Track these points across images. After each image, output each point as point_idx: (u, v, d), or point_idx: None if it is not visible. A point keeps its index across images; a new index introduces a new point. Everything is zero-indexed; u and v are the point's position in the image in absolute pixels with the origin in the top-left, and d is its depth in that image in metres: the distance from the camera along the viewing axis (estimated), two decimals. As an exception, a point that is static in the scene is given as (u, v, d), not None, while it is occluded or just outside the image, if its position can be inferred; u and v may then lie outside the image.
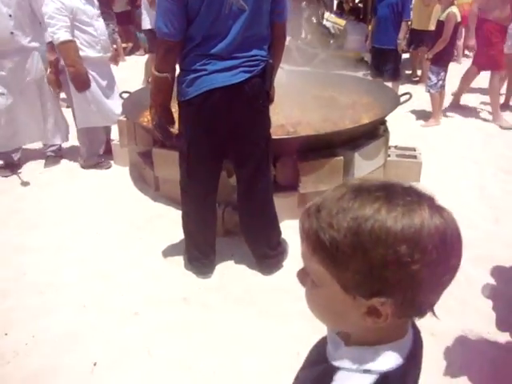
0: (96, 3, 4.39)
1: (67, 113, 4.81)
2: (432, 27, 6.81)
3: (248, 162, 2.71)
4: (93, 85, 4.31)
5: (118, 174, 4.53)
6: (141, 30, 10.92)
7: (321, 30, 10.03)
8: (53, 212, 3.83)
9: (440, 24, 5.56)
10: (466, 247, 2.76)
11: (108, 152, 4.78)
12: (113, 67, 4.79)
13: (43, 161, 4.76)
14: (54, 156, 4.78)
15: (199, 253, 2.95)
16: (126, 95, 4.35)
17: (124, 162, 4.60)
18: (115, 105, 4.54)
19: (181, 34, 2.35)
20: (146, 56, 8.20)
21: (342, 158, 3.46)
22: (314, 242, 0.73)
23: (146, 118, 3.96)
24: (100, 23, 4.35)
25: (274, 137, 3.42)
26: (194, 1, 2.28)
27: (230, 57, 2.40)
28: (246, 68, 2.43)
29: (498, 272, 3.03)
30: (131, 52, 10.96)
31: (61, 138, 4.76)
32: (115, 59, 5.01)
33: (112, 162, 4.72)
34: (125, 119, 4.37)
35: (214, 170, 2.74)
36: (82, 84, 4.22)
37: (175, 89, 2.55)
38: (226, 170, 3.09)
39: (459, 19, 5.48)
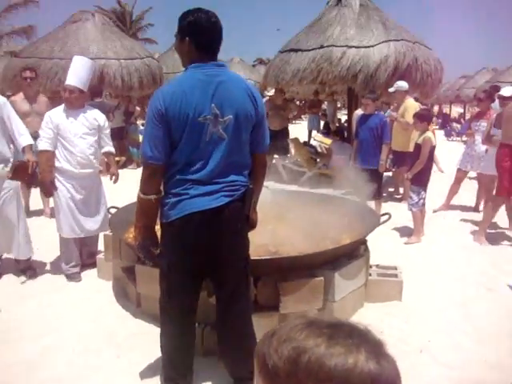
0: (92, 124, 4.69)
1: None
2: (412, 149, 7.21)
3: (227, 283, 2.76)
4: (64, 196, 4.59)
5: (102, 287, 4.52)
6: (134, 145, 11.53)
7: (307, 149, 10.53)
8: (28, 326, 3.76)
9: (417, 147, 5.89)
10: (451, 369, 2.78)
11: (92, 264, 4.88)
12: (105, 180, 4.99)
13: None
14: (30, 268, 4.83)
15: (176, 374, 2.88)
16: (113, 210, 4.48)
17: (108, 275, 4.61)
18: (92, 219, 4.78)
19: (164, 158, 2.50)
20: (139, 170, 8.48)
21: (322, 278, 3.51)
22: (261, 363, 0.78)
23: (132, 234, 4.04)
24: (83, 142, 4.62)
25: (254, 257, 3.50)
26: (177, 128, 2.46)
27: (210, 182, 2.54)
28: (227, 192, 2.56)
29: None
30: (124, 166, 11.34)
31: (29, 250, 4.83)
32: (108, 170, 5.23)
33: (80, 275, 4.77)
34: (110, 234, 4.46)
35: (193, 291, 2.77)
36: (46, 191, 4.68)
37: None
38: (205, 289, 3.12)
39: (434, 143, 5.82)
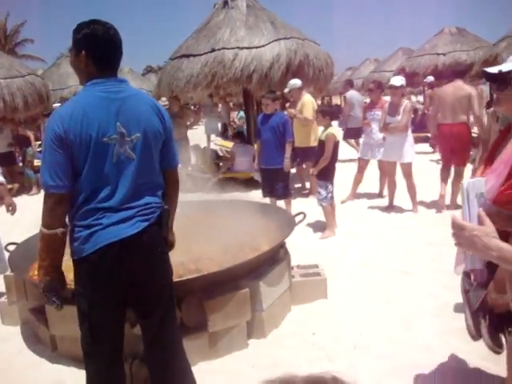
0: None
1: None
2: (313, 143, 7.34)
3: (153, 312, 2.55)
4: None
5: (8, 335, 4.06)
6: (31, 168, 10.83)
7: (209, 154, 10.41)
8: None
9: (321, 143, 5.96)
10: (386, 358, 2.72)
11: None
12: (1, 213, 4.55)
13: None
14: None
15: None
16: (12, 247, 4.07)
17: (14, 320, 4.17)
18: None
19: (68, 186, 2.25)
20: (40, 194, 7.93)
21: (247, 289, 3.39)
22: None
23: (37, 271, 3.70)
24: None
25: (175, 278, 3.31)
26: (79, 152, 2.22)
27: (123, 208, 2.32)
28: (142, 217, 2.36)
29: (418, 379, 3.00)
30: (18, 193, 10.59)
31: None
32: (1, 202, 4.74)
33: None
34: (12, 274, 4.04)
35: (118, 326, 2.51)
36: None
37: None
38: (127, 319, 2.89)
39: (338, 139, 5.93)
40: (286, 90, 8.03)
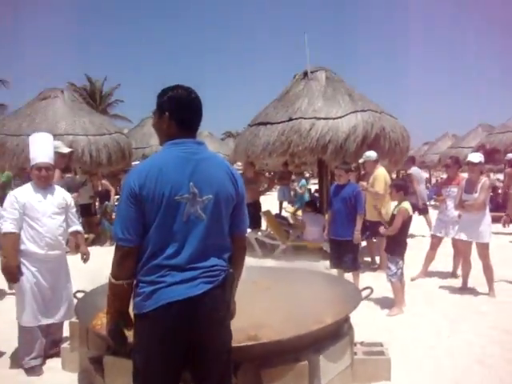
0: (60, 203, 4.51)
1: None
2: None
3: (210, 376, 2.51)
4: (29, 281, 4.31)
5: (66, 381, 4.13)
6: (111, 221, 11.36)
7: (280, 221, 10.45)
8: None
9: (393, 217, 5.85)
10: None
11: (56, 354, 4.50)
12: (72, 260, 4.74)
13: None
14: None
15: None
16: (80, 294, 4.20)
17: (74, 367, 4.22)
18: (57, 306, 4.49)
19: (137, 241, 2.33)
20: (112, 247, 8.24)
21: (306, 362, 3.28)
22: None
23: (100, 321, 3.78)
24: (52, 221, 4.41)
25: (235, 345, 3.27)
26: (151, 208, 2.30)
27: (188, 267, 2.35)
28: (206, 279, 2.37)
29: None
30: (93, 243, 11.05)
31: None
32: (77, 250, 4.99)
33: (42, 368, 4.39)
34: (76, 321, 4.14)
35: None
36: (10, 276, 4.33)
37: None
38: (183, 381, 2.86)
39: (411, 213, 5.80)
40: (361, 161, 8.04)
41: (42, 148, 4.45)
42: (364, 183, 7.86)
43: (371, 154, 7.92)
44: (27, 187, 4.46)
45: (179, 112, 2.46)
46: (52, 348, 4.63)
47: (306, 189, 16.47)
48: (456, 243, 7.20)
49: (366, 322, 5.27)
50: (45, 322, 4.43)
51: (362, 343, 4.19)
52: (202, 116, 2.57)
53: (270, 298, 4.49)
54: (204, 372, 2.51)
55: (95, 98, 42.93)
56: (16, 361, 4.48)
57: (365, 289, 4.28)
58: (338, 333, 3.72)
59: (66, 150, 6.43)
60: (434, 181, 26.80)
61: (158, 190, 2.29)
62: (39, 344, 4.44)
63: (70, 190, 5.35)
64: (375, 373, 3.90)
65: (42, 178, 4.40)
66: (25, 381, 4.23)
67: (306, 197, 15.08)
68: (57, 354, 4.49)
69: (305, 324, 3.69)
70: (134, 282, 2.41)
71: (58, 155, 4.96)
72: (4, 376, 4.27)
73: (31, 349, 4.38)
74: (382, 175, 7.77)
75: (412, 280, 7.21)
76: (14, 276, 4.29)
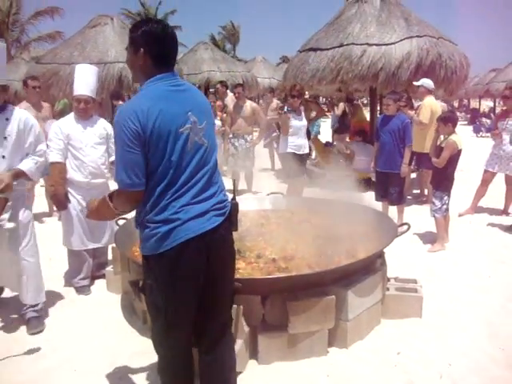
0: (102, 133, 4.60)
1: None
2: (427, 150, 6.89)
3: (216, 310, 2.58)
4: (75, 208, 4.51)
5: (110, 301, 4.40)
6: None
7: (329, 150, 10.27)
8: (31, 343, 3.65)
9: (440, 149, 5.60)
10: None
11: (102, 276, 4.79)
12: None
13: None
14: (37, 317, 3.96)
15: None
16: (122, 222, 4.31)
17: (117, 289, 4.50)
18: (101, 231, 4.69)
19: (144, 184, 2.30)
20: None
21: (333, 297, 3.30)
22: None
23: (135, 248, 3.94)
24: (94, 151, 4.53)
25: (263, 276, 3.33)
26: (156, 147, 2.24)
27: (199, 200, 2.36)
28: (217, 211, 2.40)
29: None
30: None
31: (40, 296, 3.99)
32: None
33: (89, 288, 4.68)
34: (119, 247, 4.32)
35: (192, 321, 2.54)
36: (59, 204, 4.53)
37: None
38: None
39: (460, 147, 5.53)
40: (418, 83, 7.62)
41: (83, 80, 4.46)
42: (410, 112, 7.54)
43: (429, 82, 7.55)
44: (70, 118, 4.56)
45: (155, 47, 2.36)
46: (98, 270, 4.90)
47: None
48: (509, 180, 6.88)
49: (406, 257, 5.24)
50: (91, 246, 4.66)
51: (396, 279, 4.16)
52: (178, 50, 2.52)
53: (306, 230, 4.51)
54: (212, 306, 2.55)
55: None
56: (68, 280, 4.79)
57: (402, 225, 4.20)
58: (369, 268, 3.69)
59: None
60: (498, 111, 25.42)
61: (163, 127, 2.24)
62: (87, 266, 4.70)
63: None
64: (406, 310, 3.89)
65: (81, 111, 4.47)
66: (75, 298, 4.54)
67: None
68: (103, 276, 4.77)
69: (337, 258, 3.70)
70: (142, 221, 2.38)
71: None
72: (58, 293, 4.59)
73: (80, 270, 4.66)
74: (429, 105, 7.40)
75: (459, 216, 7.02)
76: (62, 203, 4.48)
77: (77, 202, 4.51)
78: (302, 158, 7.16)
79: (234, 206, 2.51)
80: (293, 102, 7.02)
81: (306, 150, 7.34)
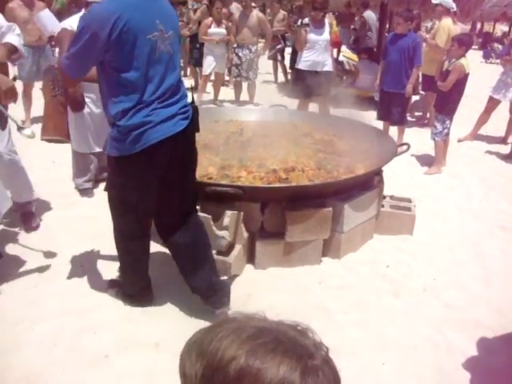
0: None
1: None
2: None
3: (181, 200, 2.83)
4: (86, 109, 4.43)
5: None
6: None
7: (335, 65, 10.05)
8: (38, 241, 3.80)
9: (447, 73, 5.53)
10: (451, 308, 2.68)
11: (104, 180, 4.80)
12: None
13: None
14: (32, 212, 4.12)
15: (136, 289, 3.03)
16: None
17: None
18: (106, 135, 4.59)
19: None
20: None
21: (330, 209, 3.41)
22: (181, 372, 0.79)
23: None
24: None
25: (263, 185, 3.43)
26: (123, 52, 2.33)
27: (167, 103, 2.51)
28: (182, 115, 2.57)
29: (481, 340, 2.91)
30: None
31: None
32: None
33: (93, 191, 4.78)
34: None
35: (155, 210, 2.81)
36: (77, 105, 4.35)
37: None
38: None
39: (468, 71, 5.45)
40: (436, 1, 7.29)
41: None
42: (424, 34, 7.32)
43: (448, 0, 7.17)
44: (77, 18, 4.40)
45: None
46: (101, 173, 4.93)
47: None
48: (514, 108, 6.86)
49: (403, 178, 5.35)
50: (97, 149, 4.64)
51: (391, 197, 4.28)
52: None
53: (307, 144, 4.57)
54: (184, 191, 2.81)
55: None
56: (71, 183, 4.84)
57: (402, 145, 4.26)
58: (367, 184, 3.79)
59: None
60: None
61: (131, 33, 2.29)
62: (92, 169, 4.77)
63: None
64: (398, 227, 4.04)
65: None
66: (79, 200, 4.64)
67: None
68: (104, 180, 4.80)
69: (335, 172, 3.79)
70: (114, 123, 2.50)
71: None
72: (62, 194, 4.69)
73: (85, 173, 4.73)
74: (446, 27, 7.10)
75: (459, 141, 7.05)
76: (81, 104, 4.36)
77: (86, 105, 4.41)
78: (318, 76, 6.60)
79: (195, 109, 2.67)
80: (315, 14, 6.48)
81: (327, 68, 6.72)
